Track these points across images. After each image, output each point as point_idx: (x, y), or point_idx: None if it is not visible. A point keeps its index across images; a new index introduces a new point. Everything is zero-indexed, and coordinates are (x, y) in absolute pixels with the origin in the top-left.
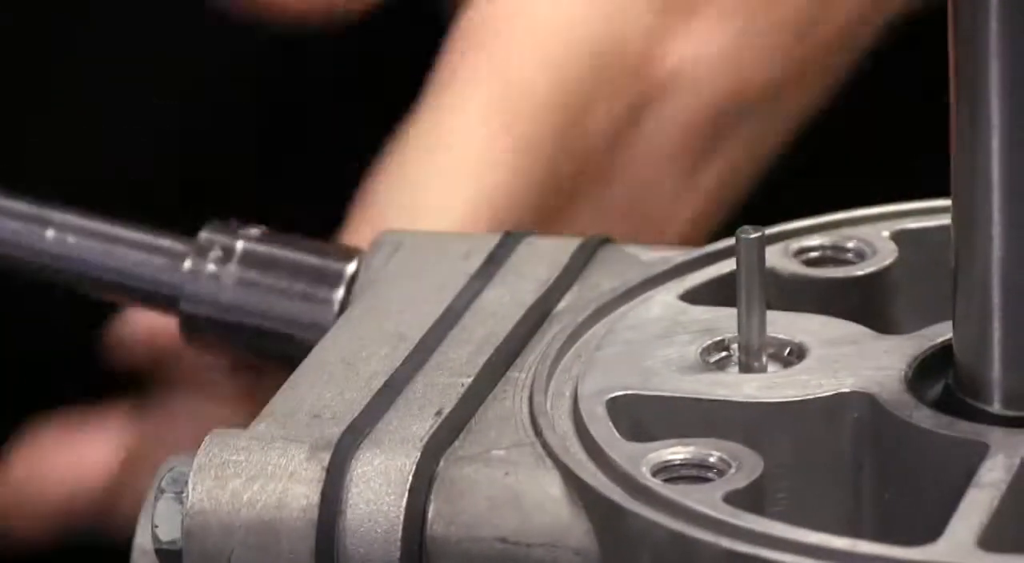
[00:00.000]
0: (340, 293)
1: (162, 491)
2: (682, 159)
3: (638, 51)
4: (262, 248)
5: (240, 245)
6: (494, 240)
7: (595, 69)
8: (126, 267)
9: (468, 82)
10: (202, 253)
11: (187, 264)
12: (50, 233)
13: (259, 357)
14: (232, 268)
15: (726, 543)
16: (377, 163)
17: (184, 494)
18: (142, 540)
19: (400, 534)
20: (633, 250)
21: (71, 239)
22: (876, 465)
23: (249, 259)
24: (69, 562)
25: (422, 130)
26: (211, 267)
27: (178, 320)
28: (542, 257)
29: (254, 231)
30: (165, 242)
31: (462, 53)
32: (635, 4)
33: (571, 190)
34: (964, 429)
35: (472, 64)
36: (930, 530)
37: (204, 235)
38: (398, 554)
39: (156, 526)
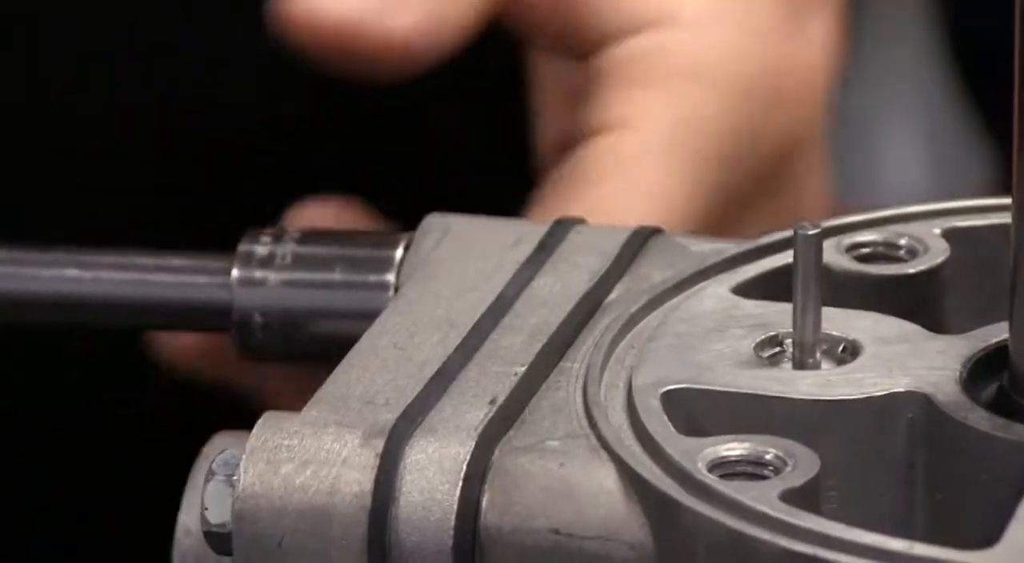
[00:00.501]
0: (392, 278)
1: (212, 473)
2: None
3: (788, 71)
4: (306, 246)
5: (283, 247)
6: (544, 227)
7: (762, 96)
8: (172, 292)
9: (644, 116)
10: (246, 262)
11: (234, 275)
12: (86, 274)
13: (319, 356)
14: (281, 271)
15: (784, 542)
16: (541, 186)
17: (235, 477)
18: (187, 520)
19: (453, 523)
20: (683, 240)
21: (106, 276)
22: (929, 466)
23: (296, 259)
24: None
25: (598, 156)
26: (258, 274)
27: (232, 333)
28: (593, 246)
29: (292, 232)
30: (204, 260)
31: (630, 87)
32: (775, 29)
33: (742, 207)
34: (1020, 432)
35: (645, 98)
36: (983, 533)
37: (243, 245)
38: (451, 543)
39: (205, 508)
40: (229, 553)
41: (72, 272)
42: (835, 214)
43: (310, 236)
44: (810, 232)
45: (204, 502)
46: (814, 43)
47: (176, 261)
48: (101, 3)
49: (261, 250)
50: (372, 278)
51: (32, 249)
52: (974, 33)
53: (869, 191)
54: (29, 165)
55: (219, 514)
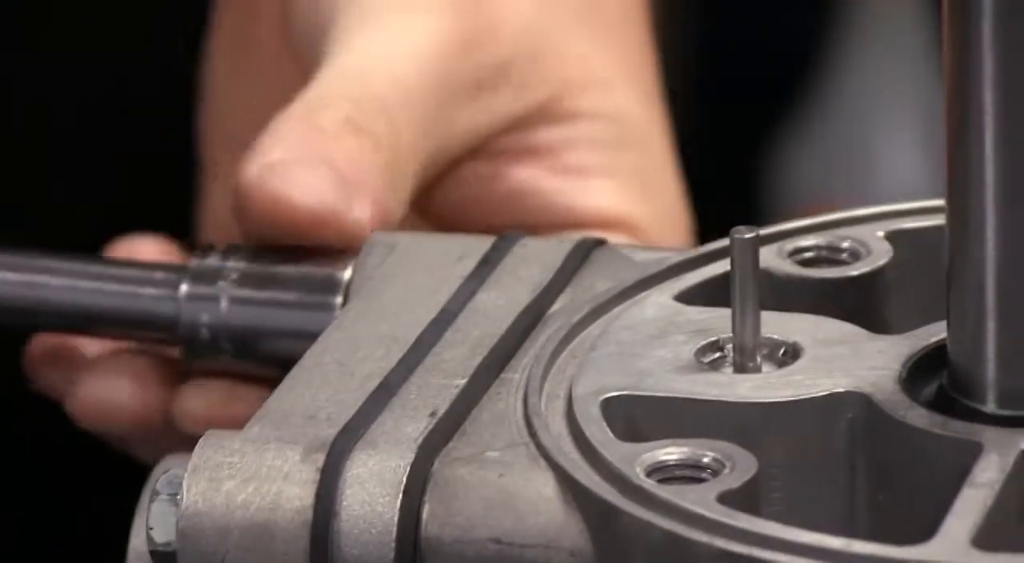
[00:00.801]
0: (339, 299)
1: (157, 493)
2: None
3: None
4: (256, 264)
5: (233, 264)
6: (488, 242)
7: None
8: (120, 302)
9: None
10: (196, 277)
11: (183, 290)
12: (37, 278)
13: (266, 372)
14: (229, 287)
15: (720, 543)
16: None
17: (179, 496)
18: (137, 542)
19: (394, 535)
20: (627, 251)
21: (56, 282)
22: (870, 465)
23: (245, 276)
24: None
25: None
26: (207, 289)
27: (179, 348)
28: (536, 259)
29: (243, 249)
30: (155, 273)
31: None
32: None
33: None
34: (958, 428)
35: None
36: (924, 529)
37: (194, 260)
38: (392, 555)
39: (151, 528)
40: None
41: (16, 276)
42: (829, 212)
43: (261, 253)
44: (746, 236)
45: (149, 522)
46: None
47: (127, 272)
48: (101, 1)
49: (210, 265)
50: (320, 298)
51: None
52: None
53: (866, 189)
54: (27, 165)
55: (164, 533)
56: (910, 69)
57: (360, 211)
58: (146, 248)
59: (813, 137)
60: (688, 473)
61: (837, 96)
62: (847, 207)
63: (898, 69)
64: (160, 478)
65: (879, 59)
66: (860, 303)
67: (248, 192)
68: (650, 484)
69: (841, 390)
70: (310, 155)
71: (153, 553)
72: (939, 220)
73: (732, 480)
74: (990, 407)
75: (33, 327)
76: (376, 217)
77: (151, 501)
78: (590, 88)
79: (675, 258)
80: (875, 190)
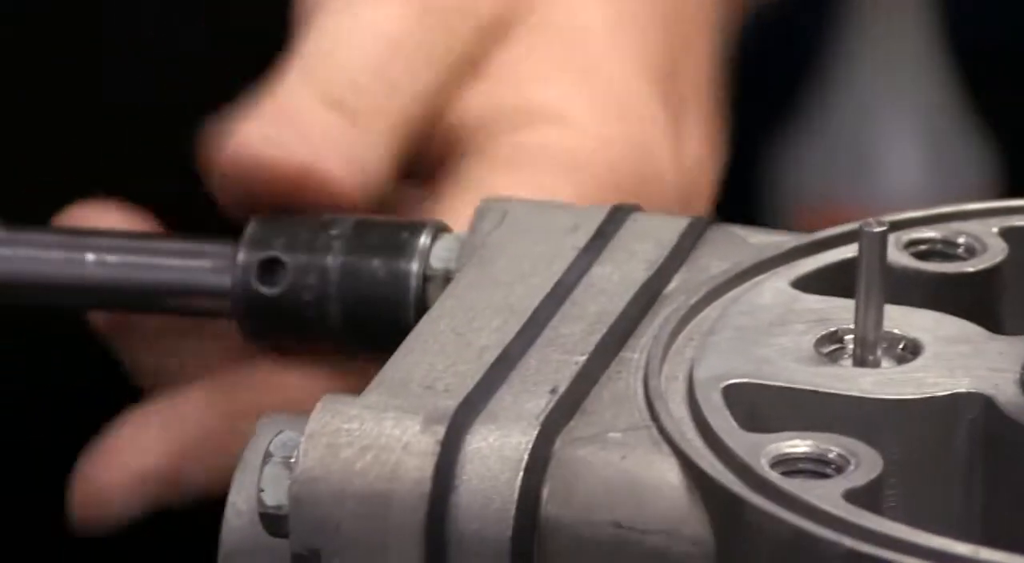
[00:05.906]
0: (415, 266)
1: (270, 455)
2: None
3: (656, 176)
4: (316, 229)
5: (292, 231)
6: (601, 214)
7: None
8: (176, 276)
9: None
10: (254, 245)
11: (240, 258)
12: (90, 257)
13: (330, 343)
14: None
15: (849, 542)
16: None
17: (292, 460)
18: (237, 499)
19: (513, 513)
20: (741, 232)
21: (112, 259)
22: (989, 468)
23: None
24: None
25: None
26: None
27: (237, 318)
28: (650, 234)
29: (299, 217)
30: (210, 245)
31: (495, 170)
32: (659, 142)
33: None
34: None
35: (506, 183)
36: None
37: (250, 229)
38: (510, 532)
39: (261, 490)
40: (283, 535)
41: (76, 255)
42: (829, 213)
43: (322, 219)
44: (876, 229)
45: (260, 483)
46: (689, 157)
47: (184, 245)
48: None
49: (267, 231)
50: (394, 266)
51: (37, 231)
52: (974, 33)
53: (866, 190)
54: (31, 164)
55: (275, 496)
56: (911, 69)
57: (339, 170)
58: (108, 216)
59: (813, 137)
60: (812, 467)
61: (837, 96)
62: (850, 207)
63: (899, 69)
64: (274, 440)
65: (880, 59)
66: (975, 300)
67: (227, 163)
68: (776, 477)
69: (963, 391)
70: (286, 131)
71: (263, 515)
72: None
73: (858, 477)
74: None
75: (87, 305)
76: (355, 175)
77: (264, 463)
78: None
79: (791, 242)
80: (876, 190)
